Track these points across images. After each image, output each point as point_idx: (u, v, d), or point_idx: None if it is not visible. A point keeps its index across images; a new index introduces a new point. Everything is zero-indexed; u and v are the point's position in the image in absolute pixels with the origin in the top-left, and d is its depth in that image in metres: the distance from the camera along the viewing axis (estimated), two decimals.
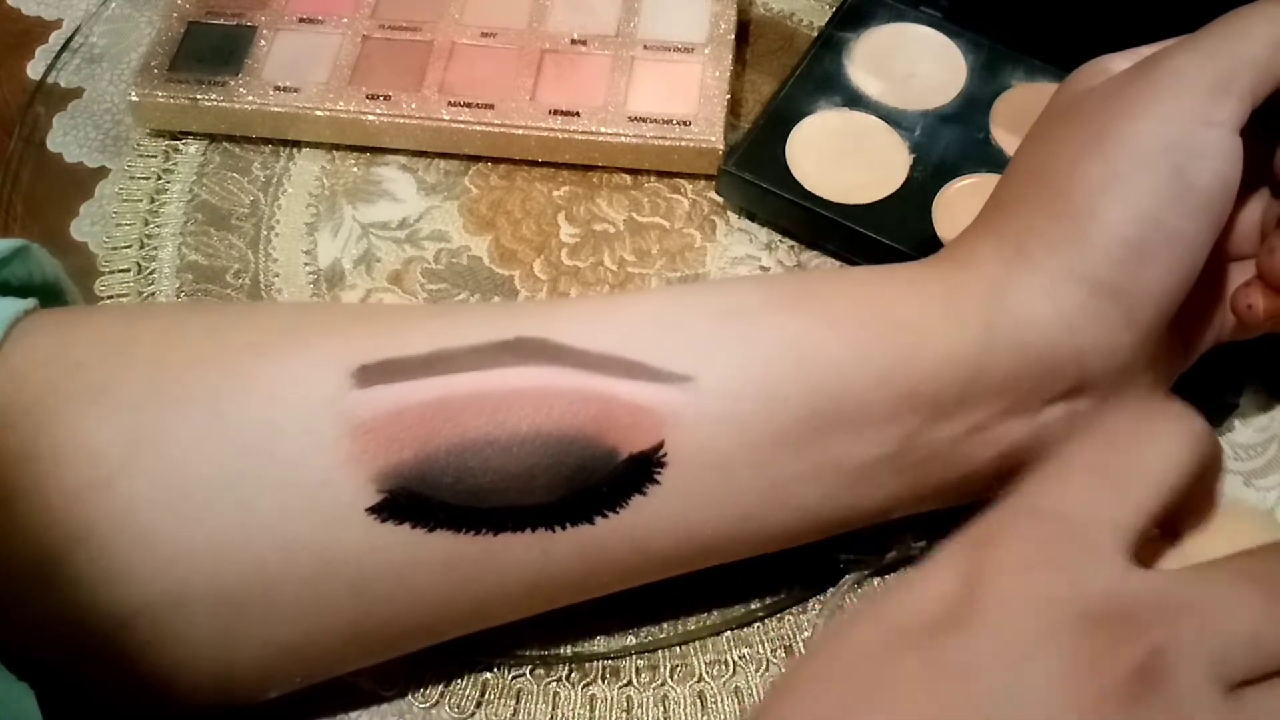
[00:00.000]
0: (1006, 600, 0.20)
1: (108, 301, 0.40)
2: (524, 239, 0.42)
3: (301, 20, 0.45)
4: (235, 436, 0.26)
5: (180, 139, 0.44)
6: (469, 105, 0.42)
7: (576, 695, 0.32)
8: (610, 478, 0.27)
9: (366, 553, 0.26)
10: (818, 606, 0.33)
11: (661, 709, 0.32)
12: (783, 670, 0.33)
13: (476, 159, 0.44)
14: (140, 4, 0.48)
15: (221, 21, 0.45)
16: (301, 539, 0.26)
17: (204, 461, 0.26)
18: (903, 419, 0.28)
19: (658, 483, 0.27)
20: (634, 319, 0.29)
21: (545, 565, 0.27)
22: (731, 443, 0.27)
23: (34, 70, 0.46)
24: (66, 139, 0.44)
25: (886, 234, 0.38)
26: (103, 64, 0.46)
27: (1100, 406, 0.29)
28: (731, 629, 0.33)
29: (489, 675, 0.32)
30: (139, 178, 0.43)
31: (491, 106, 0.42)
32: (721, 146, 0.41)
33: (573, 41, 0.44)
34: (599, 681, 0.32)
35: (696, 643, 0.33)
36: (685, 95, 0.43)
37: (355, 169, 0.44)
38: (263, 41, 0.44)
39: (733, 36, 0.44)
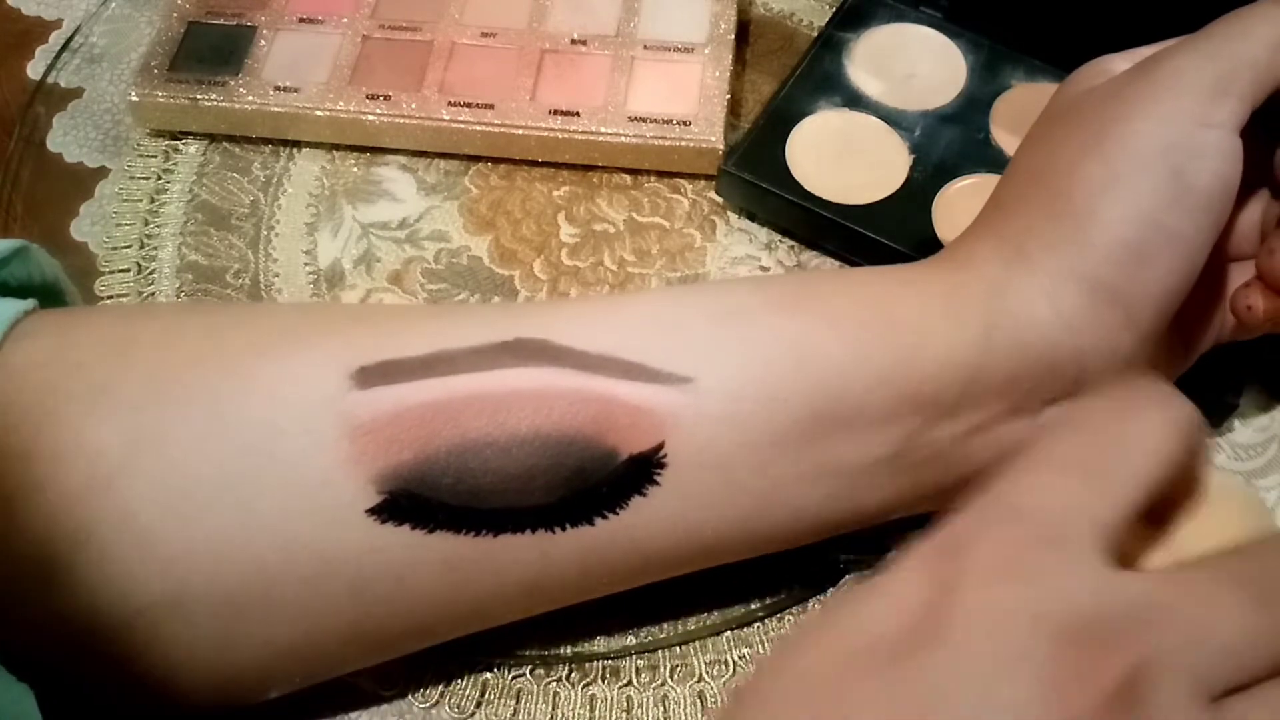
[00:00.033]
0: (976, 615, 0.19)
1: (108, 301, 0.40)
2: (524, 239, 0.42)
3: (301, 20, 0.45)
4: (235, 437, 0.26)
5: (180, 139, 0.44)
6: (469, 105, 0.42)
7: (576, 695, 0.32)
8: (610, 479, 0.27)
9: (366, 553, 0.26)
10: (818, 607, 0.33)
11: (661, 709, 0.32)
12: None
13: (476, 159, 0.44)
14: (140, 4, 0.48)
15: (221, 21, 0.45)
16: (301, 539, 0.26)
17: (204, 461, 0.26)
18: (903, 419, 0.28)
19: (657, 484, 0.27)
20: (634, 320, 0.29)
21: (545, 566, 0.27)
22: (731, 443, 0.27)
23: (34, 70, 0.46)
24: (66, 139, 0.44)
25: (886, 234, 0.38)
26: (103, 64, 0.46)
27: None
28: (731, 629, 0.33)
29: (489, 675, 0.32)
30: (139, 178, 0.43)
31: (491, 106, 0.42)
32: (721, 146, 0.41)
33: (573, 41, 0.44)
34: (599, 681, 0.32)
35: (696, 643, 0.33)
36: (685, 95, 0.43)
37: (355, 169, 0.44)
38: (263, 41, 0.44)
39: (733, 36, 0.44)
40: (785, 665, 0.20)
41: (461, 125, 0.42)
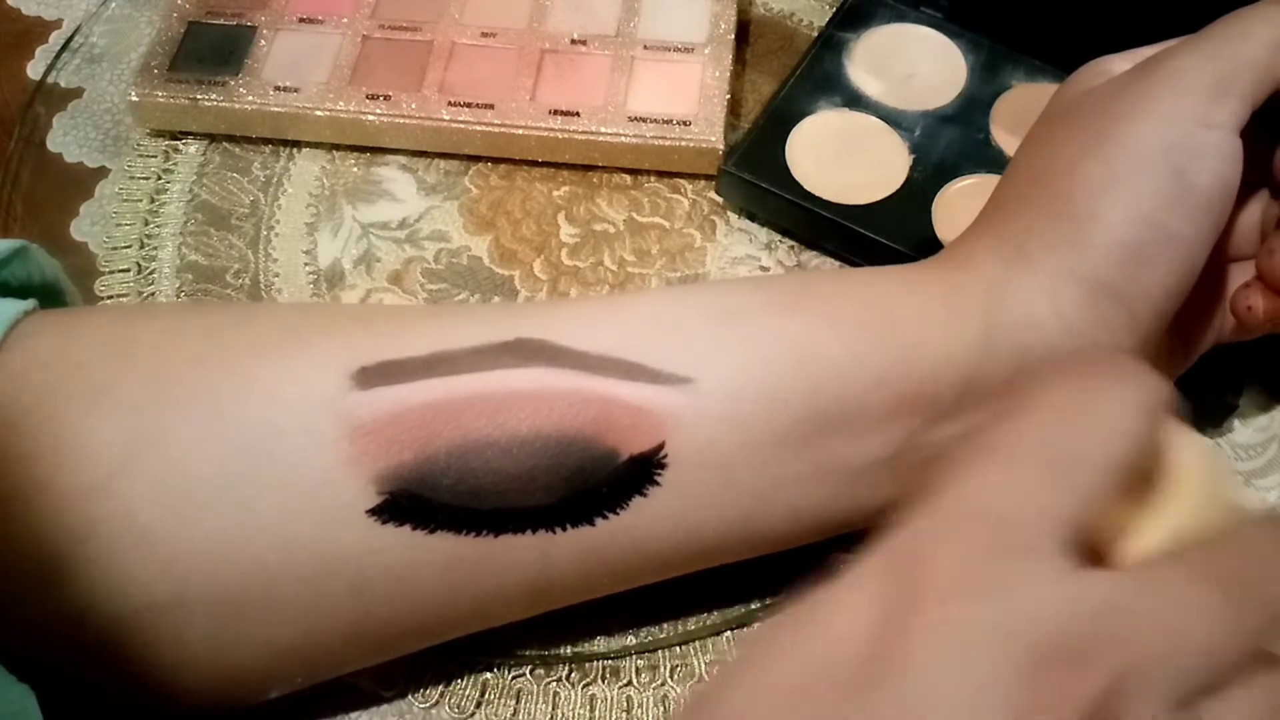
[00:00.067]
0: (936, 639, 0.17)
1: (108, 301, 0.40)
2: (524, 239, 0.42)
3: (301, 20, 0.45)
4: (235, 437, 0.26)
5: (180, 139, 0.44)
6: (469, 105, 0.42)
7: (576, 695, 0.32)
8: (610, 479, 0.27)
9: (366, 554, 0.26)
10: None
11: (661, 709, 0.32)
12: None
13: (476, 159, 0.44)
14: (140, 4, 0.48)
15: (221, 21, 0.45)
16: (301, 539, 0.26)
17: (204, 462, 0.26)
18: (903, 419, 0.28)
19: (658, 484, 0.27)
20: (634, 320, 0.29)
21: (545, 566, 0.27)
22: (731, 444, 0.27)
23: (34, 70, 0.46)
24: (66, 139, 0.44)
25: (886, 234, 0.38)
26: (103, 64, 0.46)
27: None
28: (731, 629, 0.33)
29: (489, 675, 0.32)
30: (139, 178, 0.43)
31: (491, 106, 0.42)
32: (721, 146, 0.41)
33: (573, 41, 0.44)
34: (599, 681, 0.32)
35: (696, 643, 0.33)
36: (685, 95, 0.43)
37: (355, 169, 0.44)
38: (263, 41, 0.44)
39: (733, 36, 0.44)
40: (744, 678, 0.19)
41: (461, 125, 0.42)
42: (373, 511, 0.26)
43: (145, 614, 0.26)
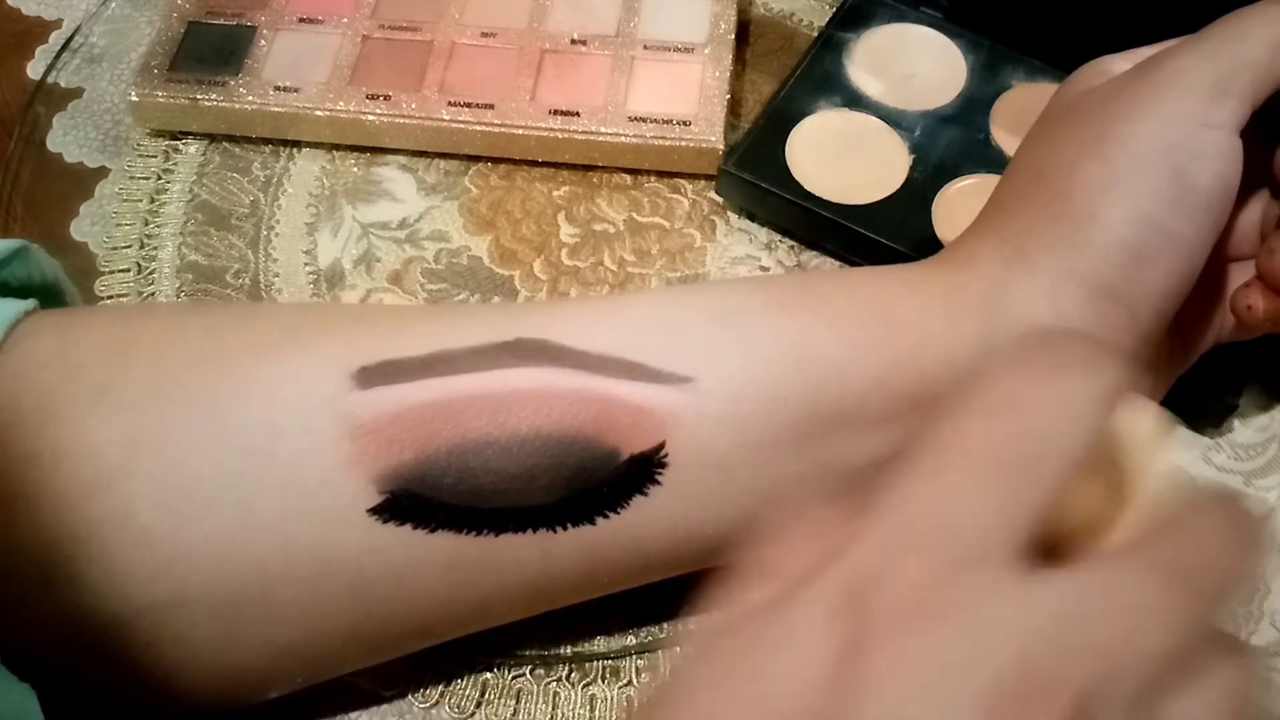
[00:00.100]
0: (894, 675, 0.16)
1: (108, 301, 0.40)
2: (524, 239, 0.42)
3: (301, 20, 0.45)
4: (235, 437, 0.26)
5: (180, 139, 0.44)
6: (469, 105, 0.42)
7: (576, 695, 0.32)
8: (611, 478, 0.27)
9: (367, 553, 0.26)
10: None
11: None
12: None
13: (476, 159, 0.44)
14: (140, 4, 0.48)
15: (221, 21, 0.45)
16: (301, 539, 0.26)
17: (204, 462, 0.26)
18: (903, 419, 0.28)
19: (658, 483, 0.27)
20: (634, 320, 0.29)
21: (546, 566, 0.27)
22: (731, 443, 0.27)
23: (34, 70, 0.46)
24: (66, 139, 0.44)
25: (886, 234, 0.38)
26: (103, 64, 0.46)
27: None
28: None
29: (489, 675, 0.32)
30: (139, 178, 0.43)
31: (491, 106, 0.42)
32: (721, 146, 0.41)
33: (573, 41, 0.44)
34: (599, 681, 0.32)
35: None
36: (685, 95, 0.43)
37: (355, 169, 0.44)
38: (263, 41, 0.44)
39: (733, 36, 0.44)
40: (685, 704, 0.18)
41: (461, 125, 0.42)
42: (373, 511, 0.26)
43: (145, 614, 0.26)
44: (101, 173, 0.43)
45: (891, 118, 0.42)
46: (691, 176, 0.43)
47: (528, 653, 0.32)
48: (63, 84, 0.46)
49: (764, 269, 0.41)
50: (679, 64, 0.44)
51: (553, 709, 0.32)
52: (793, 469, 0.28)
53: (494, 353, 0.27)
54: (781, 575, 0.18)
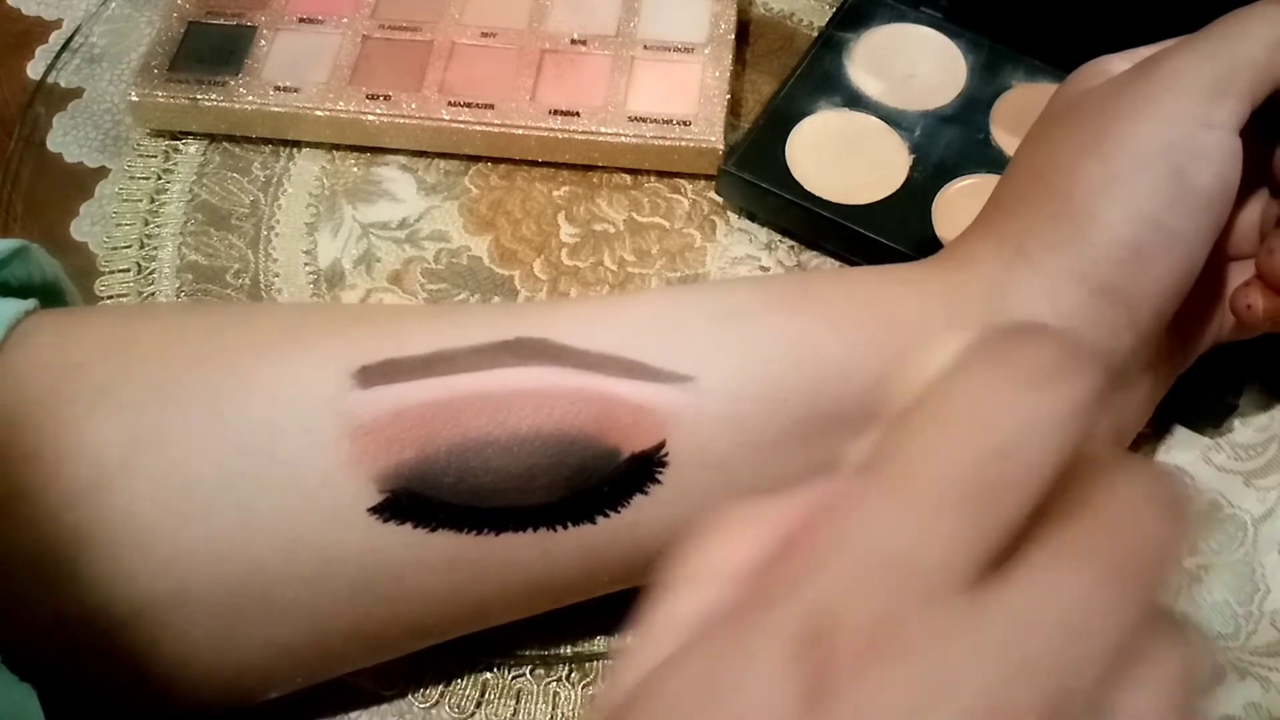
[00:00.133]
0: None
1: (108, 301, 0.40)
2: (524, 239, 0.42)
3: (301, 20, 0.45)
4: (235, 437, 0.26)
5: (180, 139, 0.44)
6: (469, 105, 0.42)
7: (576, 695, 0.32)
8: (611, 477, 0.27)
9: (367, 553, 0.26)
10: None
11: None
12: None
13: (476, 159, 0.44)
14: (140, 4, 0.48)
15: (221, 21, 0.45)
16: (302, 539, 0.26)
17: (204, 462, 0.26)
18: None
19: (659, 482, 0.27)
20: (634, 319, 0.29)
21: (546, 565, 0.27)
22: (732, 443, 0.27)
23: (34, 70, 0.46)
24: (66, 139, 0.44)
25: (886, 234, 0.38)
26: (103, 64, 0.46)
27: (1100, 405, 0.29)
28: None
29: (489, 675, 0.32)
30: (139, 178, 0.43)
31: (491, 106, 0.42)
32: (721, 146, 0.41)
33: (573, 41, 0.44)
34: (599, 681, 0.32)
35: None
36: (685, 95, 0.43)
37: (355, 169, 0.44)
38: (263, 41, 0.44)
39: (733, 36, 0.44)
40: None
41: (461, 125, 0.42)
42: (374, 510, 0.26)
43: (146, 614, 0.26)
44: (101, 173, 0.43)
45: (891, 118, 0.42)
46: (691, 176, 0.43)
47: (528, 653, 0.32)
48: (63, 84, 0.46)
49: (764, 269, 0.41)
50: (679, 64, 0.44)
51: (553, 709, 0.32)
52: (793, 468, 0.28)
53: (494, 352, 0.27)
54: (715, 578, 0.18)
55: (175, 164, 0.44)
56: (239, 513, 0.26)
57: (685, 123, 0.42)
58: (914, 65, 0.44)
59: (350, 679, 0.31)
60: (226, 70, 0.43)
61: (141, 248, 0.41)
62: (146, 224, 0.42)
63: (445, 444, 0.26)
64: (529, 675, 0.32)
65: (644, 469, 0.27)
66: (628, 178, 0.43)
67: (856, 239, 0.39)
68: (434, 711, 0.32)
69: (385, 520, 0.26)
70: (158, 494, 0.26)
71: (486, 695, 0.32)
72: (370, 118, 0.42)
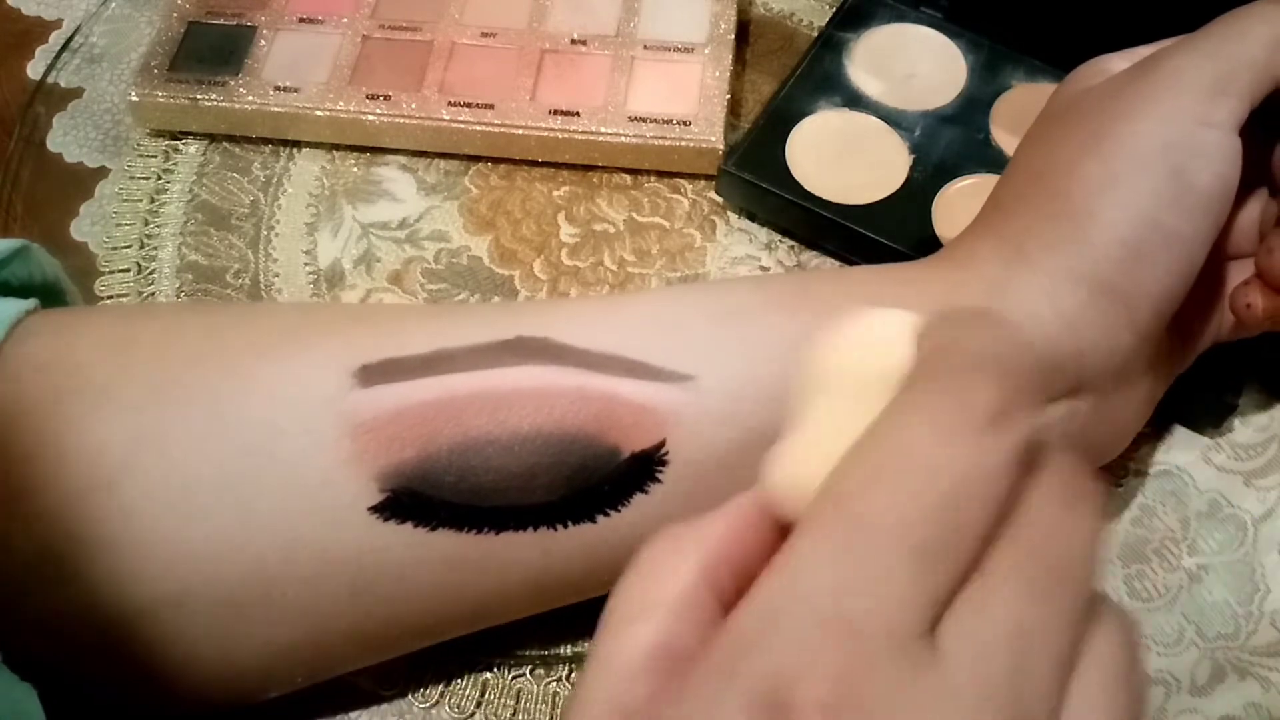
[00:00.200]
0: None
1: (108, 301, 0.40)
2: (524, 239, 0.42)
3: (301, 20, 0.45)
4: (235, 437, 0.26)
5: (180, 139, 0.44)
6: (469, 105, 0.42)
7: (572, 685, 0.32)
8: (612, 476, 0.27)
9: (368, 552, 0.26)
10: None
11: None
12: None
13: (476, 159, 0.44)
14: (140, 4, 0.48)
15: (221, 21, 0.45)
16: (302, 539, 0.26)
17: (204, 462, 0.26)
18: None
19: (659, 481, 0.27)
20: (635, 319, 0.29)
21: (547, 564, 0.27)
22: (732, 442, 0.27)
23: (34, 70, 0.46)
24: (66, 139, 0.44)
25: (886, 234, 0.38)
26: (103, 64, 0.46)
27: (1100, 405, 0.29)
28: None
29: (489, 675, 0.32)
30: (139, 178, 0.43)
31: (491, 106, 0.42)
32: (721, 146, 0.41)
33: (573, 41, 0.44)
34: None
35: None
36: (685, 95, 0.43)
37: (355, 169, 0.44)
38: (263, 41, 0.44)
39: (733, 36, 0.44)
40: None
41: (461, 125, 0.42)
42: (374, 509, 0.26)
43: (146, 613, 0.26)
44: (101, 173, 0.43)
45: (891, 118, 0.42)
46: (691, 176, 0.43)
47: (528, 653, 0.32)
48: (63, 84, 0.46)
49: (764, 269, 0.41)
50: (679, 64, 0.44)
51: (553, 709, 0.32)
52: None
53: (495, 351, 0.27)
54: (653, 612, 0.18)
55: (175, 164, 0.44)
56: (239, 512, 0.26)
57: (685, 123, 0.42)
58: (914, 65, 0.44)
59: (350, 679, 0.31)
60: (226, 70, 0.43)
61: (141, 248, 0.41)
62: (146, 224, 0.42)
63: (446, 443, 0.26)
64: (529, 675, 0.32)
65: (644, 468, 0.27)
66: (628, 178, 0.43)
67: (856, 239, 0.39)
68: (434, 711, 0.32)
69: (386, 519, 0.26)
70: (158, 494, 0.26)
71: (486, 695, 0.32)
72: (370, 118, 0.42)
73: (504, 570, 0.27)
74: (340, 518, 0.26)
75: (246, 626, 0.27)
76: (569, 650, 0.33)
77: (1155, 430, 0.36)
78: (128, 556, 0.25)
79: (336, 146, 0.44)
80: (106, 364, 0.27)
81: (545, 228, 0.42)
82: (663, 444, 0.27)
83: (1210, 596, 0.34)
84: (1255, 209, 0.31)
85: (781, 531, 0.19)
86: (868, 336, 0.19)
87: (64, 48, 0.46)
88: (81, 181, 0.43)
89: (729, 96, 0.43)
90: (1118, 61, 0.31)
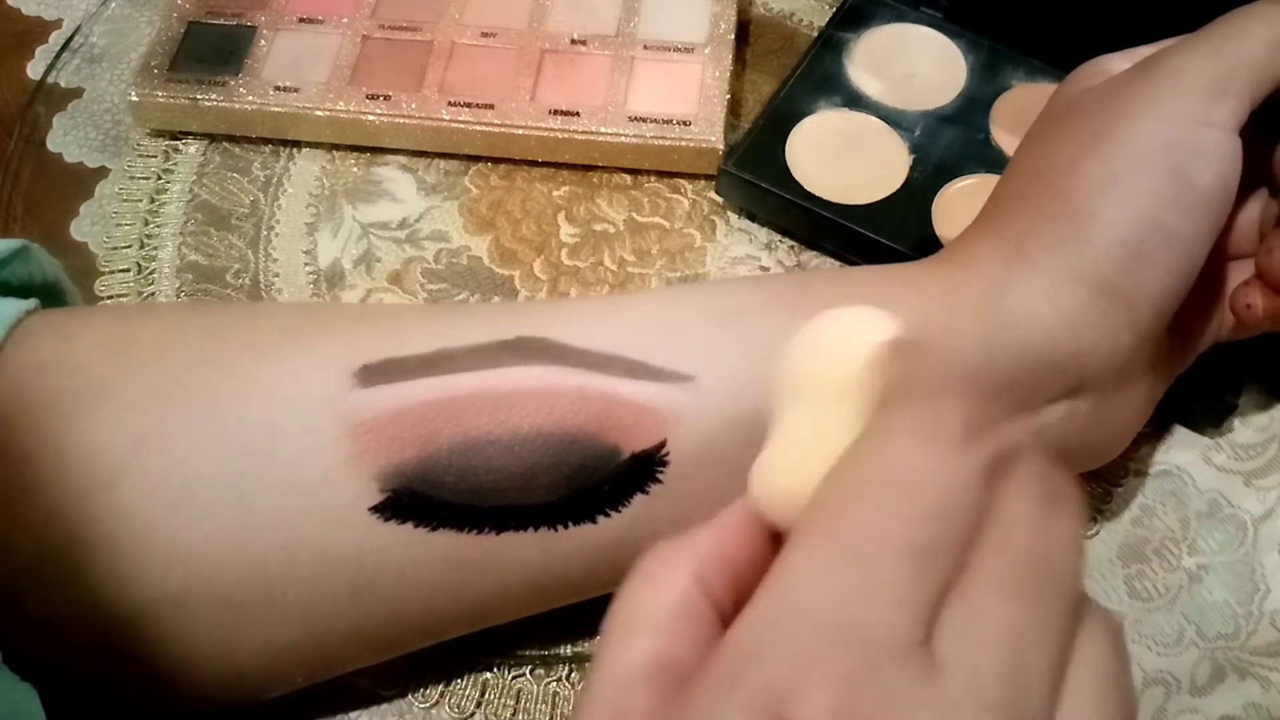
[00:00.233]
0: None
1: (108, 301, 0.40)
2: (524, 239, 0.42)
3: (301, 20, 0.45)
4: (235, 437, 0.26)
5: (180, 139, 0.44)
6: (469, 105, 0.42)
7: (576, 695, 0.32)
8: (612, 476, 0.27)
9: (368, 552, 0.26)
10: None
11: None
12: None
13: (476, 159, 0.44)
14: (140, 4, 0.48)
15: (221, 21, 0.45)
16: (302, 539, 0.26)
17: (204, 462, 0.26)
18: None
19: (660, 482, 0.27)
20: (635, 319, 0.29)
21: (547, 564, 0.27)
22: (732, 442, 0.27)
23: (34, 70, 0.46)
24: (66, 139, 0.44)
25: (886, 234, 0.38)
26: (103, 64, 0.46)
27: (1100, 405, 0.29)
28: None
29: (489, 675, 0.32)
30: (139, 178, 0.43)
31: (491, 106, 0.42)
32: (721, 146, 0.41)
33: (573, 41, 0.44)
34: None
35: None
36: (685, 95, 0.43)
37: (355, 169, 0.44)
38: (263, 41, 0.44)
39: (733, 36, 0.44)
40: None
41: (461, 125, 0.42)
42: (374, 509, 0.26)
43: (147, 613, 0.26)
44: (101, 173, 0.43)
45: (891, 118, 0.42)
46: (691, 176, 0.43)
47: (528, 653, 0.32)
48: (63, 84, 0.46)
49: (764, 269, 0.41)
50: (679, 64, 0.44)
51: (553, 709, 0.32)
52: None
53: (495, 351, 0.27)
54: (649, 624, 0.18)
55: (175, 164, 0.44)
56: (239, 512, 0.26)
57: (685, 123, 0.42)
58: (914, 65, 0.44)
59: (350, 679, 0.31)
60: (226, 70, 0.43)
61: (141, 248, 0.41)
62: (146, 224, 0.42)
63: (447, 443, 0.26)
64: (529, 675, 0.32)
65: (645, 468, 0.27)
66: (628, 178, 0.43)
67: (856, 239, 0.39)
68: (434, 711, 0.32)
69: (386, 519, 0.26)
70: (158, 494, 0.26)
71: (486, 695, 0.32)
72: (370, 118, 0.42)
73: (504, 570, 0.27)
74: (340, 518, 0.26)
75: (247, 626, 0.27)
76: (569, 650, 0.33)
77: (1155, 430, 0.36)
78: (128, 556, 0.25)
79: (336, 146, 0.44)
80: (106, 364, 0.27)
81: (545, 228, 0.42)
82: (663, 444, 0.27)
83: (1210, 596, 0.34)
84: (1255, 209, 0.31)
85: (774, 540, 0.19)
86: (834, 339, 0.20)
87: (64, 48, 0.46)
88: (81, 181, 0.43)
89: (729, 96, 0.43)
90: (1118, 62, 0.31)
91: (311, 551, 0.26)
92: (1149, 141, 0.28)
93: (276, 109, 0.42)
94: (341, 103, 0.42)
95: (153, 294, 0.40)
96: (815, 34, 0.45)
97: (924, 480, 0.17)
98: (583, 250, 0.41)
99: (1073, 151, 0.29)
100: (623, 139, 0.42)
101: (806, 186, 0.40)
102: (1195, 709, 0.32)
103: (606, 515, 0.27)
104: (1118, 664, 0.18)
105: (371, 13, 0.45)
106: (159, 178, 0.43)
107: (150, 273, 0.41)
